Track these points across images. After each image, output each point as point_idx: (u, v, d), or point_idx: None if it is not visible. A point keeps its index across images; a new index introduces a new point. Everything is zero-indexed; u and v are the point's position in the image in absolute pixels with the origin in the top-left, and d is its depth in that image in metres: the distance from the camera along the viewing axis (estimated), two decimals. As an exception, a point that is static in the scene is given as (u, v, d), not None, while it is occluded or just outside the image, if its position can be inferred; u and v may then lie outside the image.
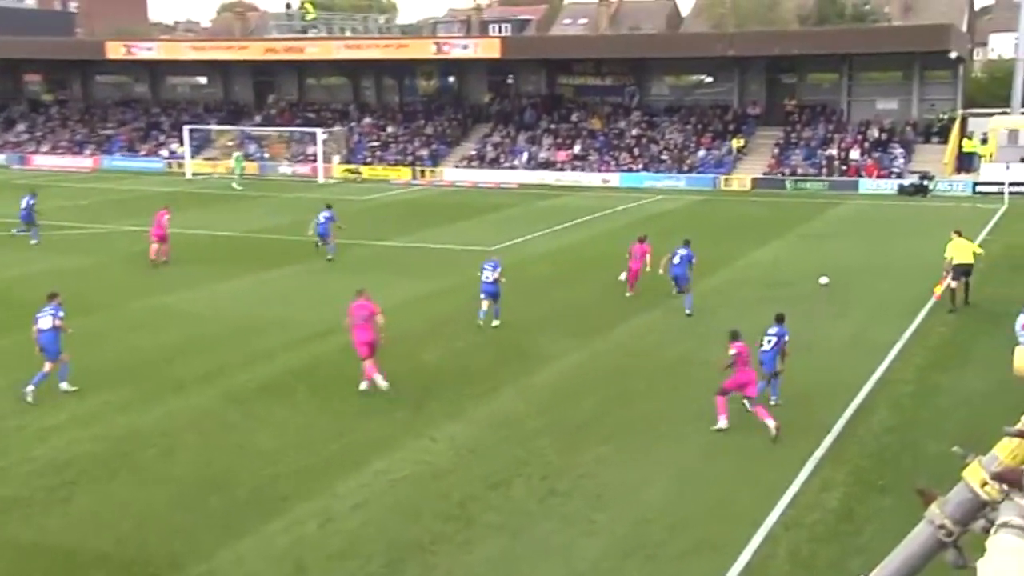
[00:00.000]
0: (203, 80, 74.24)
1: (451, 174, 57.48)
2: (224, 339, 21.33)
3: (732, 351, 15.60)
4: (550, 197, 47.86)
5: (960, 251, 24.38)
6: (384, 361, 17.84)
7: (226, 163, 57.36)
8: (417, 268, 29.92)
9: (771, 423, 15.42)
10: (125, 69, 72.01)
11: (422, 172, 58.06)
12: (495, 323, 22.36)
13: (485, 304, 22.33)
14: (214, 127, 63.66)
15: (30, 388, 17.07)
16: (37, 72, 76.74)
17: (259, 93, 69.33)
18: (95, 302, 24.34)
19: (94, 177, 58.54)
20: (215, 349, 20.56)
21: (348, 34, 67.76)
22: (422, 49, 59.74)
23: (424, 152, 59.85)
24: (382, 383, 17.30)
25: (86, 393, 17.47)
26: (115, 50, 64.97)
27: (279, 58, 62.55)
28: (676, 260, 23.80)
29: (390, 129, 63.32)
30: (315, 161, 57.83)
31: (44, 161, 65.16)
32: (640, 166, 55.12)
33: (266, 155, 58.79)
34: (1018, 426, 2.67)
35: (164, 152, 64.44)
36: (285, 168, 59.45)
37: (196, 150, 62.46)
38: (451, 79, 66.59)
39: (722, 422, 15.75)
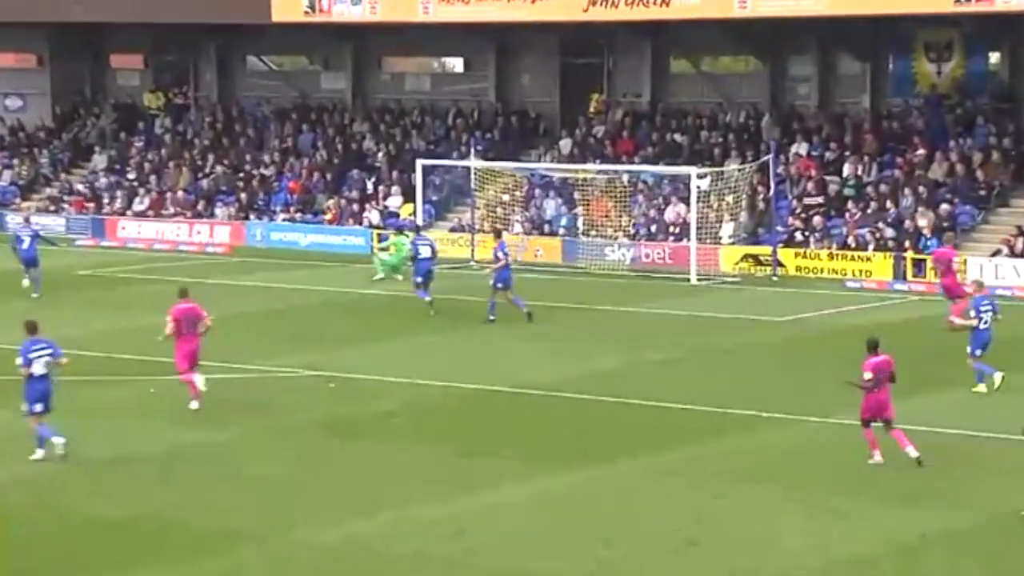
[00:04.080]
0: (456, 65, 73.82)
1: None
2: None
3: None
4: None
5: None
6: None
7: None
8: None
9: None
10: (303, 44, 73.34)
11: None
12: None
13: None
14: (476, 163, 61.55)
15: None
16: (134, 51, 78.47)
17: (570, 88, 67.89)
18: (245, 528, 24.87)
19: (232, 265, 59.33)
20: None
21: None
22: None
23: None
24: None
25: None
26: (289, 6, 63.62)
27: (629, 18, 59.57)
28: None
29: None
30: (680, 240, 57.67)
31: (139, 230, 67.05)
32: None
33: (578, 222, 60.54)
34: None
35: (371, 213, 63.83)
36: (617, 252, 58.31)
37: (437, 209, 62.93)
38: None
39: None
